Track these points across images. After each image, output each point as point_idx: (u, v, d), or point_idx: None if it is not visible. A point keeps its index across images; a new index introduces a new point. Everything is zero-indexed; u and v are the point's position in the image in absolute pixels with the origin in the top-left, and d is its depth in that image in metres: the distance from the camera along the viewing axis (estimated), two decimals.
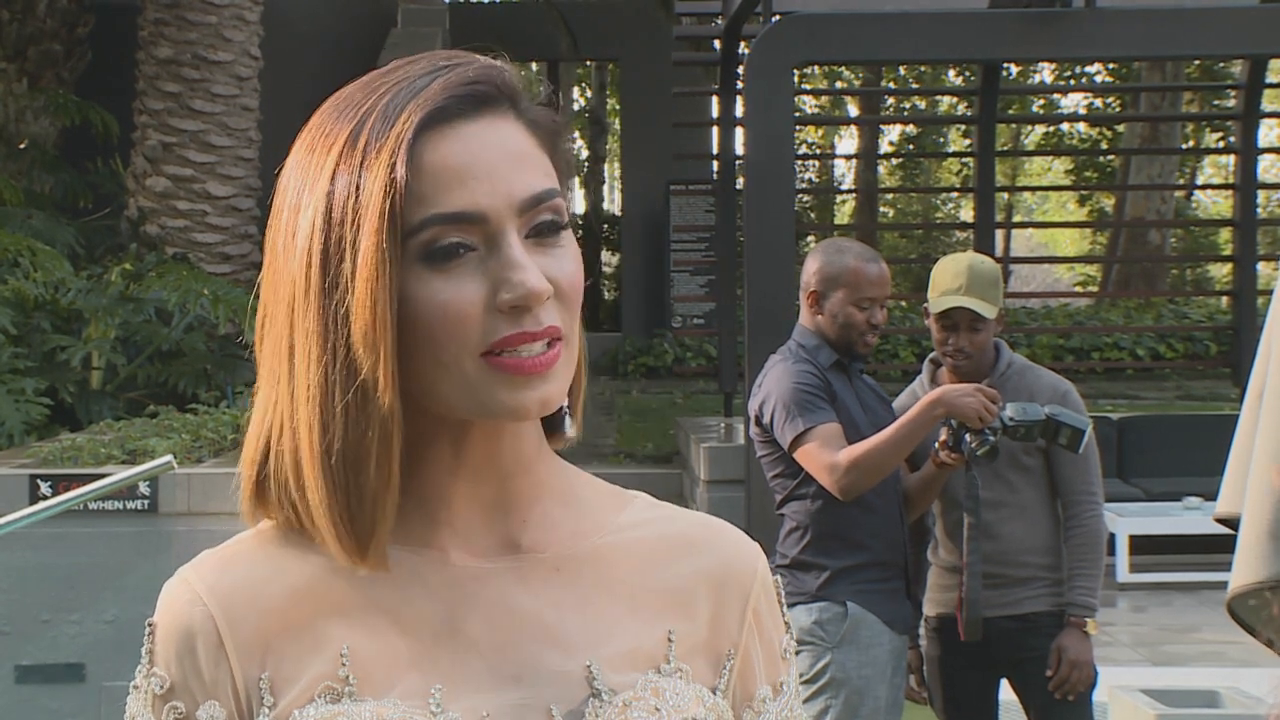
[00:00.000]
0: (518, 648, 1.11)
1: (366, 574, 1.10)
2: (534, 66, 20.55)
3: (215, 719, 1.09)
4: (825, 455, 3.81)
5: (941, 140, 30.22)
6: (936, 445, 3.92)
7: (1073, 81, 25.55)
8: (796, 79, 9.51)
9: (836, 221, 28.64)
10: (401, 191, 1.04)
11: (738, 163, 12.17)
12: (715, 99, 14.36)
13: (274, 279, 1.11)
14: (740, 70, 11.12)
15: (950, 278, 4.10)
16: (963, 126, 25.60)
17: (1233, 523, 2.18)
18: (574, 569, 1.15)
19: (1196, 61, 20.95)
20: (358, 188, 1.05)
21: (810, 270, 4.07)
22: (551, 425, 1.19)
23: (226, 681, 1.09)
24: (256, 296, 1.14)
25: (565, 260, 1.09)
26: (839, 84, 28.02)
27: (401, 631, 1.09)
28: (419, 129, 1.06)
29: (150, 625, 1.12)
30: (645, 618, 1.15)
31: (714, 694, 1.15)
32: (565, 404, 1.16)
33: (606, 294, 21.87)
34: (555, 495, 1.17)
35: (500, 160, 1.07)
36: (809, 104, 21.13)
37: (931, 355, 4.33)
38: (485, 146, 1.07)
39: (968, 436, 3.85)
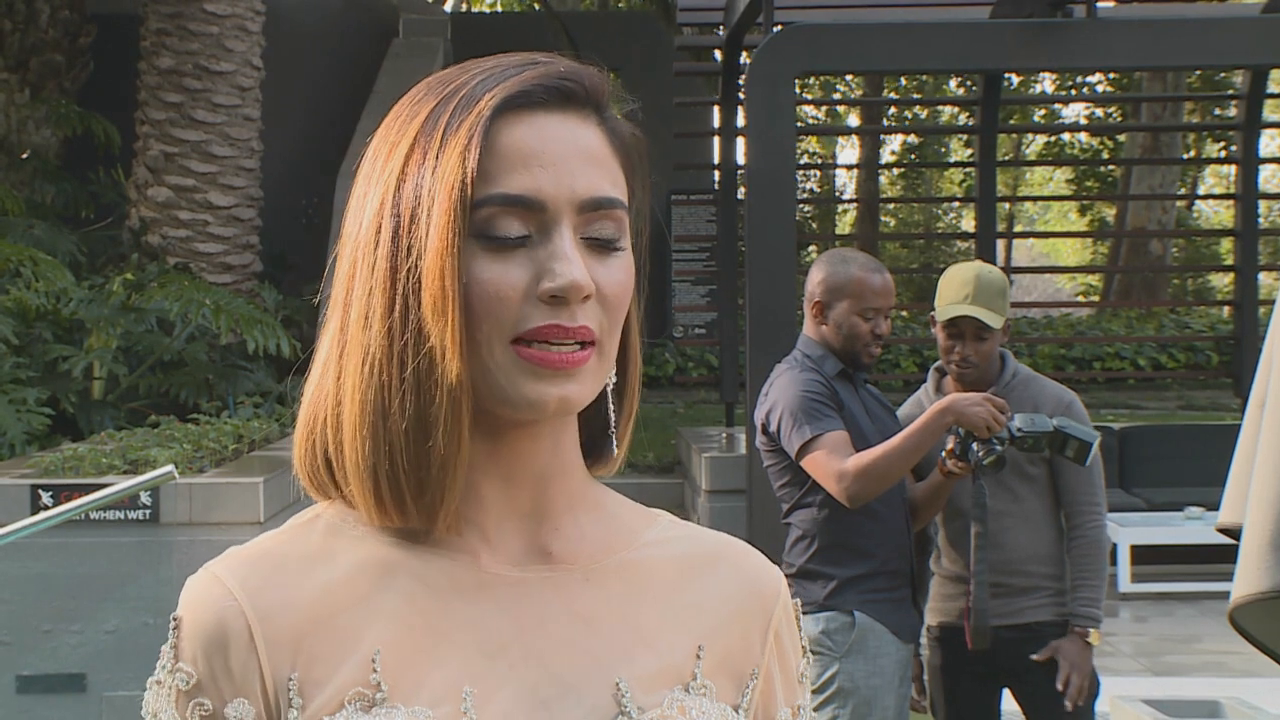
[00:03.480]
0: (548, 660, 1.11)
1: (399, 574, 1.10)
2: None
3: (244, 717, 1.07)
4: (833, 463, 3.81)
5: (943, 150, 30.23)
6: (943, 454, 3.92)
7: (1074, 91, 25.58)
8: (798, 89, 9.52)
9: (838, 231, 28.65)
10: (474, 169, 1.05)
11: (739, 173, 12.19)
12: (717, 109, 14.37)
13: (344, 234, 1.13)
14: (742, 80, 11.14)
15: (957, 287, 4.11)
16: (964, 136, 25.61)
17: (1235, 532, 2.18)
18: (603, 581, 1.15)
19: (1197, 71, 20.96)
20: (436, 160, 1.07)
21: (815, 280, 4.08)
22: (595, 448, 1.20)
23: (256, 679, 1.07)
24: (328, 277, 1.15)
25: (615, 270, 1.10)
26: (839, 94, 28.05)
27: (432, 635, 1.09)
28: (498, 109, 1.07)
29: (175, 620, 1.10)
30: (673, 633, 1.15)
31: (737, 713, 1.16)
32: (612, 426, 1.18)
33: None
34: (587, 507, 1.17)
35: (571, 155, 1.08)
36: (810, 114, 21.13)
37: (937, 364, 4.33)
38: (559, 139, 1.08)
39: (975, 446, 3.85)
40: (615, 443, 1.19)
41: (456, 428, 1.06)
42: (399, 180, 1.08)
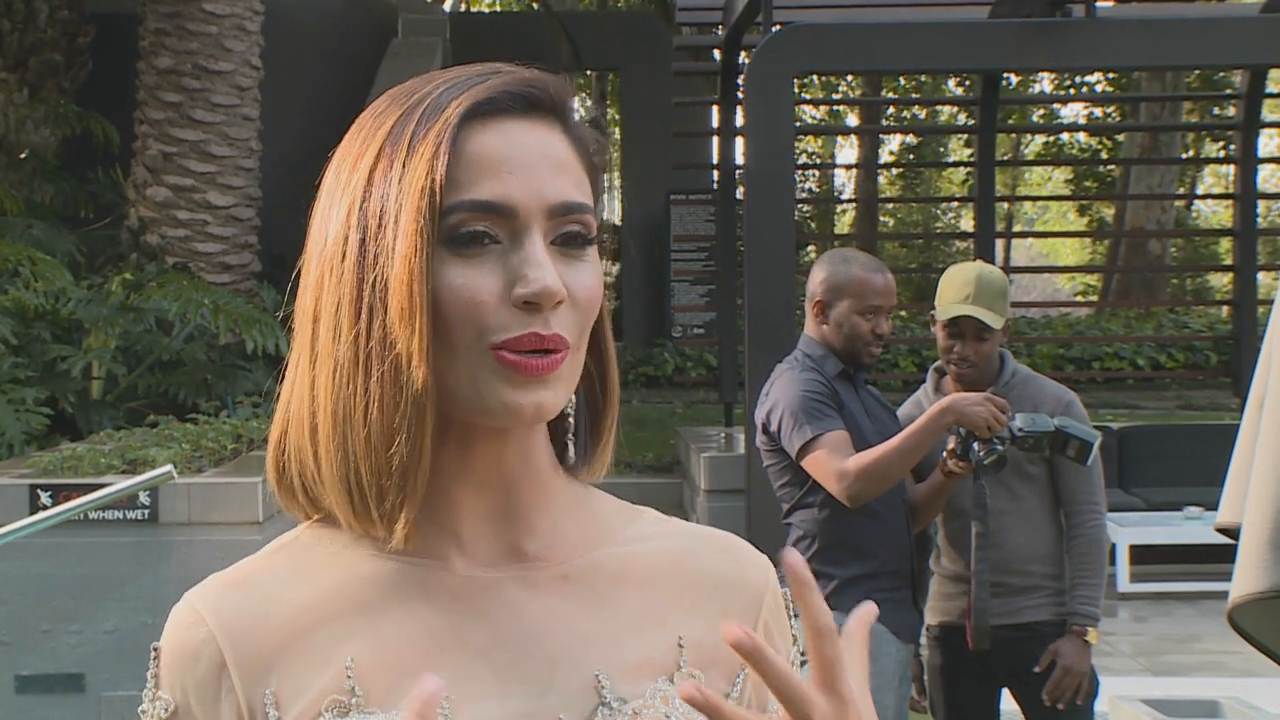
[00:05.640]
0: (525, 657, 1.11)
1: (373, 586, 1.11)
2: None
3: None
4: (834, 462, 3.81)
5: (942, 150, 30.23)
6: (944, 454, 3.93)
7: (1072, 91, 25.58)
8: (797, 89, 9.52)
9: (837, 231, 28.65)
10: (442, 175, 1.05)
11: (738, 172, 12.18)
12: (716, 109, 14.38)
13: (310, 247, 1.13)
14: (741, 80, 11.14)
15: (958, 287, 4.11)
16: (963, 136, 25.62)
17: (1233, 532, 2.18)
18: (583, 578, 1.15)
19: (1196, 71, 20.97)
20: (403, 168, 1.07)
21: (816, 280, 4.08)
22: (583, 451, 1.20)
23: (230, 702, 1.09)
24: (297, 278, 1.16)
25: (585, 274, 1.10)
26: (838, 94, 28.03)
27: (407, 643, 1.09)
28: (465, 117, 1.08)
29: (155, 649, 1.13)
30: (655, 627, 1.15)
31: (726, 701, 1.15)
32: (569, 431, 1.18)
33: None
34: (564, 507, 1.17)
35: (538, 161, 1.09)
36: (809, 114, 21.14)
37: (936, 364, 4.34)
38: (526, 145, 1.09)
39: (976, 445, 3.85)
40: (594, 445, 1.20)
41: (419, 436, 1.06)
42: (365, 191, 1.08)
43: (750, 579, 1.22)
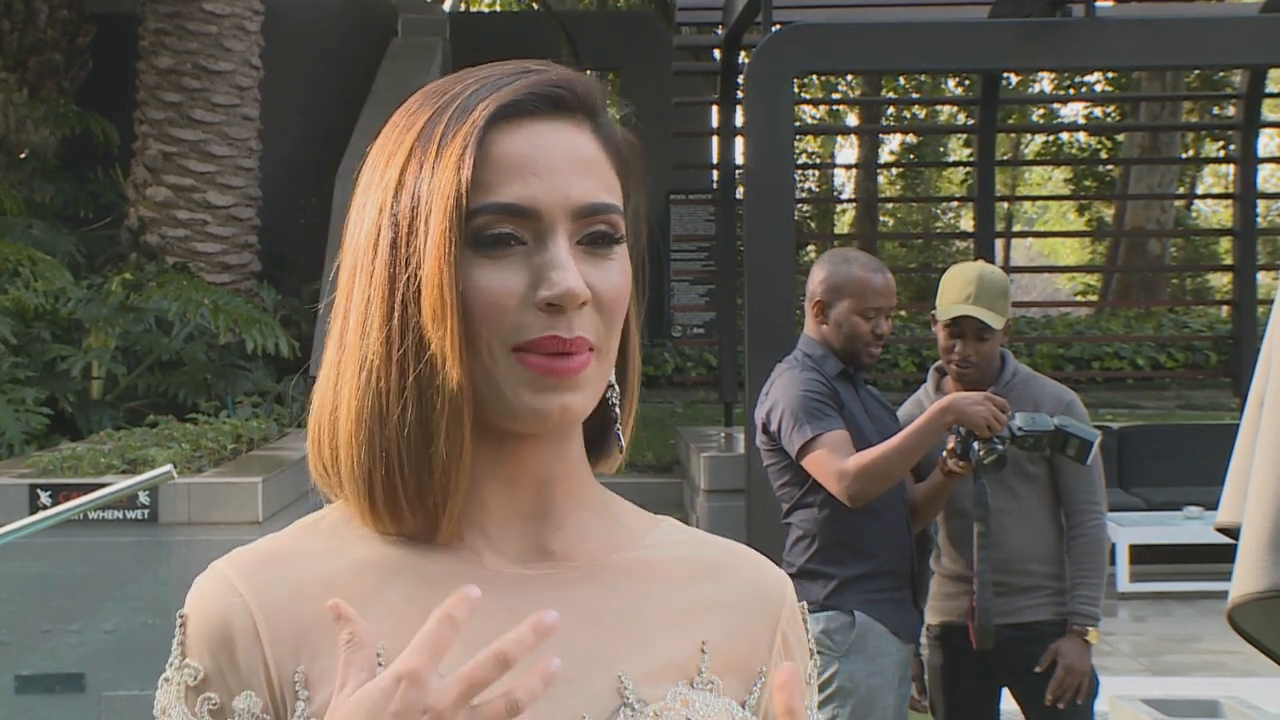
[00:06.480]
0: (549, 655, 1.11)
1: (403, 573, 1.11)
2: None
3: (252, 709, 1.08)
4: (834, 462, 3.81)
5: (942, 150, 30.22)
6: (944, 453, 3.93)
7: (1072, 91, 25.58)
8: (797, 89, 9.52)
9: (836, 231, 28.64)
10: (468, 178, 1.07)
11: (738, 172, 12.19)
12: (715, 108, 14.37)
13: (346, 242, 1.14)
14: (740, 80, 11.14)
15: (959, 287, 4.12)
16: (963, 136, 25.61)
17: (1233, 532, 2.18)
18: (607, 580, 1.16)
19: (1196, 71, 20.96)
20: (432, 170, 1.08)
21: (816, 279, 4.09)
22: (594, 448, 1.20)
23: (261, 672, 1.09)
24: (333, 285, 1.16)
25: (611, 273, 1.11)
26: (838, 94, 28.03)
27: None
28: (492, 119, 1.09)
29: (181, 617, 1.12)
30: (677, 631, 1.16)
31: (743, 708, 1.16)
32: (617, 425, 1.18)
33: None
34: (591, 508, 1.18)
35: (564, 162, 1.10)
36: (809, 114, 21.15)
37: (937, 364, 4.35)
38: (552, 146, 1.10)
39: (976, 445, 3.85)
40: (620, 443, 1.20)
41: (458, 433, 1.07)
42: (396, 189, 1.10)
43: (769, 591, 1.22)
